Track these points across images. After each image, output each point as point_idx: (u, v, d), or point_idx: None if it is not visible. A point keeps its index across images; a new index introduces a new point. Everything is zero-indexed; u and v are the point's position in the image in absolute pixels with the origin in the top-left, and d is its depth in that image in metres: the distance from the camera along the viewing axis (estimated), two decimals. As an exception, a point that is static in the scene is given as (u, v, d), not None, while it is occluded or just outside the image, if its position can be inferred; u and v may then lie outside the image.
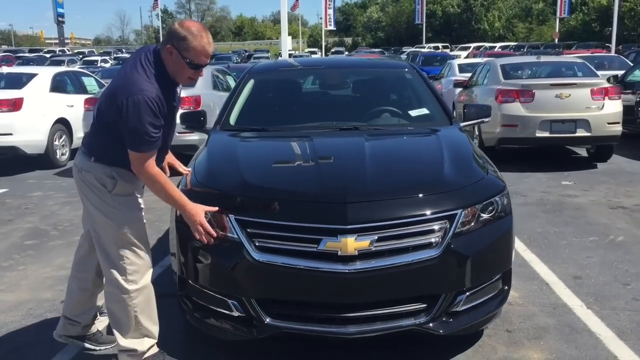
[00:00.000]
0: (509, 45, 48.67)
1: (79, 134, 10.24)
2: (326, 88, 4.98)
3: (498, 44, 50.63)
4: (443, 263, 3.02)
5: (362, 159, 3.48)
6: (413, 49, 47.39)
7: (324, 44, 54.23)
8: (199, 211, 3.09)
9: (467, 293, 3.15)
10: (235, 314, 3.17)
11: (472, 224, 3.15)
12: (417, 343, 3.48)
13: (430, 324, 3.08)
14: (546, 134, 8.43)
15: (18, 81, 9.98)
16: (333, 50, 59.80)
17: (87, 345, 3.50)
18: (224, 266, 3.14)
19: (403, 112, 4.59)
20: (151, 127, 2.87)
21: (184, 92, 8.71)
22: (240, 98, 4.68)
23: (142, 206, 3.22)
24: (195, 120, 4.61)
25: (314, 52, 56.58)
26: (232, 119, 4.49)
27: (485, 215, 3.22)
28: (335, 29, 58.85)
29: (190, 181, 3.52)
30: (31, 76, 10.03)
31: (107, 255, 3.13)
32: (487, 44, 51.03)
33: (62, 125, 9.98)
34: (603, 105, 8.43)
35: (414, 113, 4.50)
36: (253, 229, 3.09)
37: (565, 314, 3.93)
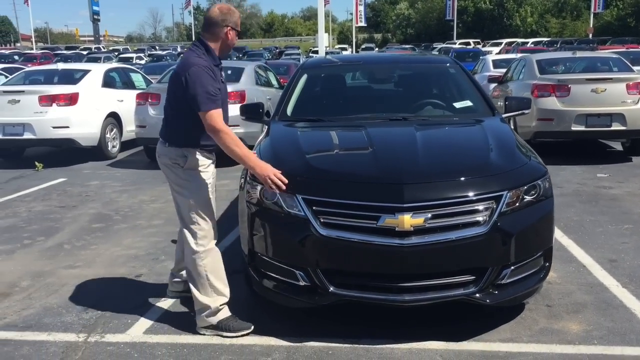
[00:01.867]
0: (542, 41, 48.21)
1: (128, 127, 10.76)
2: (374, 82, 5.34)
3: (530, 40, 50.14)
4: (490, 239, 3.36)
5: (414, 145, 3.83)
6: (444, 45, 47.26)
7: (354, 40, 54.43)
8: (269, 167, 3.57)
9: (512, 267, 3.48)
10: (302, 283, 3.55)
11: (517, 204, 3.48)
12: (464, 314, 3.80)
13: (478, 295, 3.41)
14: (582, 128, 8.63)
15: (73, 77, 10.54)
16: (363, 46, 59.92)
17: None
18: (292, 240, 3.51)
19: (447, 104, 4.92)
20: (211, 87, 3.47)
21: (229, 88, 9.16)
22: (295, 91, 5.05)
23: (210, 181, 3.75)
24: (254, 112, 5.00)
25: (344, 49, 56.76)
26: (289, 110, 4.87)
27: (528, 197, 3.54)
28: (365, 25, 59.02)
29: None
30: (85, 72, 10.59)
31: (183, 220, 3.75)
32: (519, 40, 50.58)
33: (113, 119, 10.50)
34: (639, 100, 8.60)
35: (458, 105, 4.83)
36: (318, 207, 3.46)
37: (601, 292, 4.21)
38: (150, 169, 9.35)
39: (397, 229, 3.31)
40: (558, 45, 39.52)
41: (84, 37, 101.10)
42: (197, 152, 3.66)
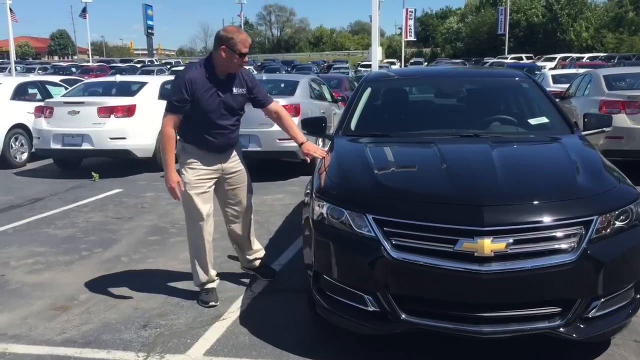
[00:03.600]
0: (598, 56, 46.96)
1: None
2: (440, 96, 5.12)
3: (586, 55, 48.92)
4: (579, 268, 3.09)
5: (491, 163, 3.60)
6: (496, 60, 46.53)
7: (403, 54, 54.13)
8: (175, 179, 4.12)
9: (602, 299, 3.19)
10: (370, 308, 3.34)
11: (607, 230, 3.20)
12: (546, 348, 3.53)
13: (564, 329, 3.14)
14: (652, 146, 8.20)
15: (130, 89, 10.66)
16: (412, 61, 59.48)
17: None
18: (362, 262, 3.32)
19: (522, 120, 4.67)
20: (175, 96, 4.00)
21: (284, 101, 9.07)
22: (359, 105, 4.88)
23: (192, 179, 4.21)
24: (317, 126, 4.84)
25: (393, 63, 56.47)
26: (353, 125, 4.70)
27: (619, 223, 3.25)
28: (415, 39, 58.69)
29: (325, 182, 3.74)
30: (142, 84, 10.68)
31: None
32: (573, 55, 49.42)
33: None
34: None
35: (533, 121, 4.57)
36: (390, 228, 3.26)
37: (693, 327, 3.87)
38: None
39: (476, 254, 3.08)
40: (615, 61, 38.35)
41: (137, 50, 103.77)
42: (189, 147, 4.19)
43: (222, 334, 3.90)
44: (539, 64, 38.86)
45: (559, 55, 49.04)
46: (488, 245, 3.07)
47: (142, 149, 9.90)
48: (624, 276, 3.28)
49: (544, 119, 4.53)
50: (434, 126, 4.63)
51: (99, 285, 4.82)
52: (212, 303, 4.35)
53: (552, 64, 41.40)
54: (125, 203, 7.93)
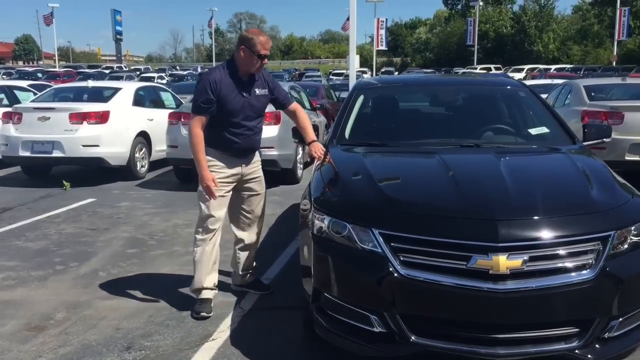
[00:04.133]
0: (565, 68, 47.79)
1: (157, 147, 10.47)
2: (436, 105, 4.96)
3: (553, 66, 49.76)
4: (598, 286, 2.94)
5: (500, 176, 3.44)
6: (465, 70, 47.02)
7: (374, 64, 54.39)
8: (210, 177, 4.07)
9: (620, 319, 3.05)
10: (377, 329, 3.14)
11: (624, 246, 3.06)
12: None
13: (581, 350, 2.98)
14: (636, 158, 8.19)
15: (103, 95, 10.31)
16: (383, 70, 59.78)
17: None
18: (368, 280, 3.12)
19: (522, 130, 4.54)
20: (201, 96, 4.02)
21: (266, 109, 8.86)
22: (352, 113, 4.69)
23: (221, 180, 4.17)
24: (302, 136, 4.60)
25: (364, 72, 56.66)
26: (347, 134, 4.51)
27: (634, 239, 3.11)
28: (386, 49, 58.95)
29: (324, 193, 3.54)
30: (116, 90, 10.34)
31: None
32: (541, 66, 50.25)
33: (143, 138, 10.21)
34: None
35: (534, 131, 4.44)
36: (398, 244, 3.07)
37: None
38: (181, 190, 9.05)
39: (491, 271, 2.91)
40: (582, 73, 39.03)
41: (105, 56, 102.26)
42: (212, 151, 4.14)
43: (212, 357, 3.66)
44: (509, 74, 39.32)
45: (527, 67, 49.82)
46: (503, 262, 2.90)
47: (116, 156, 9.55)
48: None
49: (544, 129, 4.41)
50: (432, 135, 4.47)
51: (77, 303, 4.51)
52: (204, 314, 4.21)
53: (521, 75, 41.98)
54: (100, 213, 7.58)
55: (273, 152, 8.86)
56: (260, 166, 4.54)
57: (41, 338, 3.92)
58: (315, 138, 4.33)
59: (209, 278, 4.32)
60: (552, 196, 3.29)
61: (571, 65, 51.61)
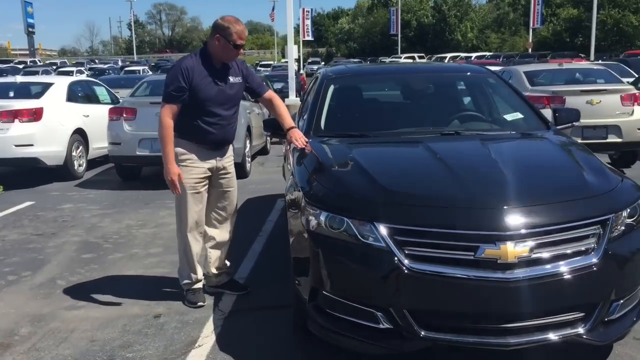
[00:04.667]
0: (485, 55, 49.30)
1: (94, 144, 9.98)
2: (410, 93, 4.88)
3: (473, 54, 51.22)
4: (601, 269, 2.95)
5: (495, 163, 3.41)
6: (390, 59, 47.67)
7: (300, 54, 54.26)
8: (175, 171, 3.94)
9: (621, 300, 3.08)
10: (382, 326, 3.04)
11: (621, 229, 3.10)
12: (555, 354, 3.39)
13: (589, 334, 2.99)
14: (578, 139, 8.47)
15: (34, 91, 9.70)
16: (310, 60, 59.74)
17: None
18: (372, 276, 3.02)
19: (497, 116, 4.55)
20: (173, 81, 3.87)
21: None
22: (325, 104, 4.56)
23: (191, 176, 4.03)
24: (278, 127, 4.43)
25: (317, 62, 56.22)
26: (323, 126, 4.38)
27: (628, 221, 3.16)
28: (313, 39, 58.91)
29: (316, 187, 3.40)
30: (47, 85, 9.75)
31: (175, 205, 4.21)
32: (462, 54, 51.64)
33: (79, 135, 9.69)
34: (633, 111, 8.55)
35: (509, 117, 4.45)
36: (402, 237, 2.99)
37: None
38: (125, 189, 8.66)
39: (499, 261, 2.87)
40: (501, 59, 40.32)
41: (15, 50, 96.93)
42: (187, 144, 4.00)
43: (199, 366, 3.46)
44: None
45: (449, 55, 51.04)
46: (511, 250, 2.87)
47: (52, 156, 9.02)
48: (638, 275, 3.19)
49: (518, 115, 4.43)
50: (408, 124, 4.41)
51: (40, 315, 4.18)
52: (200, 303, 4.23)
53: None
54: (42, 217, 7.12)
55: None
56: (233, 161, 4.36)
57: (9, 356, 3.59)
58: (294, 124, 4.20)
59: (198, 268, 4.28)
60: (550, 181, 3.29)
61: (490, 53, 53.37)
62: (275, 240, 5.89)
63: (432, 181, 3.32)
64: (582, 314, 3.01)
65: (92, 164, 10.24)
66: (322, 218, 3.19)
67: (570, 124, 4.54)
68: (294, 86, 14.24)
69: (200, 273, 4.31)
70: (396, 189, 3.21)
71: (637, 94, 8.65)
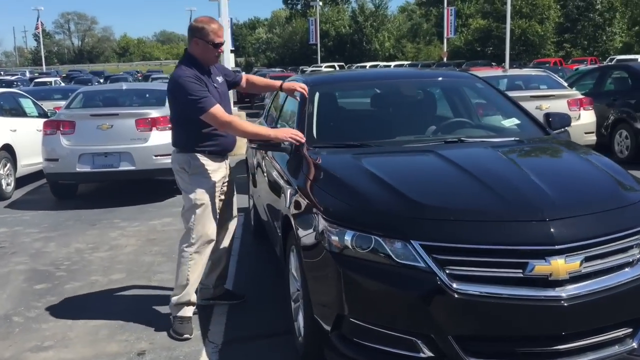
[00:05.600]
0: (403, 64, 50.43)
1: (23, 161, 9.17)
2: (400, 100, 4.63)
3: (392, 63, 52.30)
4: None
5: (523, 173, 3.20)
6: (311, 69, 47.78)
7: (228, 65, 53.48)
8: (285, 129, 3.99)
9: None
10: (423, 354, 2.77)
11: None
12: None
13: (637, 349, 2.84)
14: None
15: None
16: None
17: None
18: (411, 299, 2.75)
19: (493, 122, 4.39)
20: (197, 90, 3.71)
21: (156, 112, 8.10)
22: (314, 113, 4.23)
23: (215, 186, 3.94)
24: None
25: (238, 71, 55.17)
26: (316, 135, 4.05)
27: None
28: (234, 49, 58.12)
29: (334, 204, 3.08)
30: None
31: (185, 220, 3.97)
32: (381, 63, 52.61)
33: (7, 152, 8.86)
34: (580, 116, 8.74)
35: (506, 123, 4.30)
36: (443, 255, 2.73)
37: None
38: (63, 209, 7.95)
39: (550, 277, 2.66)
40: (419, 68, 41.33)
41: None
42: (202, 157, 3.88)
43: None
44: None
45: (368, 64, 51.84)
46: (562, 265, 2.67)
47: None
48: None
49: (515, 120, 4.29)
50: (406, 132, 4.17)
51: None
52: (187, 335, 3.87)
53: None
54: (-25, 244, 6.37)
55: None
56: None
57: (-24, 416, 3.05)
58: (280, 82, 4.42)
59: (194, 293, 3.99)
60: (588, 190, 3.13)
61: (408, 62, 54.68)
62: (247, 259, 5.51)
63: (466, 194, 3.06)
64: (630, 330, 2.86)
65: (20, 182, 9.40)
66: (348, 238, 2.89)
67: (563, 130, 4.45)
68: (233, 96, 13.80)
69: (195, 298, 4.01)
70: (431, 203, 2.94)
71: (583, 99, 8.86)
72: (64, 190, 8.55)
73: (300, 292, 3.33)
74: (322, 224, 3.02)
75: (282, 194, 3.88)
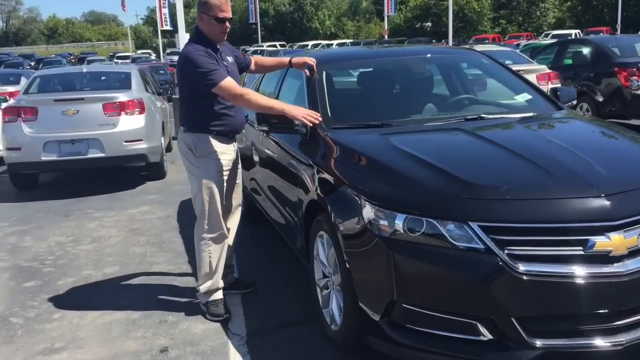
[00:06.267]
0: (345, 43, 50.36)
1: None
2: (411, 77, 4.50)
3: (334, 42, 52.21)
4: None
5: (564, 148, 3.16)
6: (253, 48, 47.15)
7: (161, 44, 52.22)
8: (299, 107, 3.74)
9: None
10: (484, 337, 2.71)
11: None
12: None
13: None
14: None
15: None
16: (168, 51, 57.36)
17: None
18: (470, 282, 2.67)
19: (506, 98, 4.34)
20: (207, 63, 3.58)
21: (124, 96, 7.77)
22: (325, 93, 4.07)
23: (224, 168, 3.82)
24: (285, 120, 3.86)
25: (148, 54, 54.00)
26: (331, 115, 3.89)
27: None
28: (172, 28, 56.54)
29: (378, 187, 2.96)
30: None
31: (196, 206, 3.84)
32: (323, 42, 52.42)
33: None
34: (548, 90, 8.88)
35: (519, 98, 4.26)
36: (502, 236, 2.67)
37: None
38: (28, 200, 7.50)
39: (611, 253, 2.64)
40: (361, 47, 41.38)
41: None
42: (210, 138, 3.76)
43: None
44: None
45: (310, 43, 51.55)
46: (622, 240, 2.66)
47: None
48: None
49: (526, 95, 4.26)
50: (423, 110, 4.08)
51: (14, 368, 3.35)
52: (227, 315, 3.84)
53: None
54: (-59, 242, 5.92)
55: (142, 145, 7.78)
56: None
57: None
58: (289, 58, 4.23)
59: (221, 280, 3.94)
60: (633, 164, 3.12)
61: (350, 40, 54.63)
62: (244, 246, 5.33)
63: (515, 172, 3.00)
64: None
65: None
66: (399, 222, 2.79)
67: (570, 103, 4.46)
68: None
69: (221, 281, 3.93)
70: (485, 182, 2.86)
71: (550, 73, 9.01)
72: (25, 180, 8.07)
73: (339, 279, 3.21)
74: (368, 208, 2.90)
75: (299, 178, 3.73)
